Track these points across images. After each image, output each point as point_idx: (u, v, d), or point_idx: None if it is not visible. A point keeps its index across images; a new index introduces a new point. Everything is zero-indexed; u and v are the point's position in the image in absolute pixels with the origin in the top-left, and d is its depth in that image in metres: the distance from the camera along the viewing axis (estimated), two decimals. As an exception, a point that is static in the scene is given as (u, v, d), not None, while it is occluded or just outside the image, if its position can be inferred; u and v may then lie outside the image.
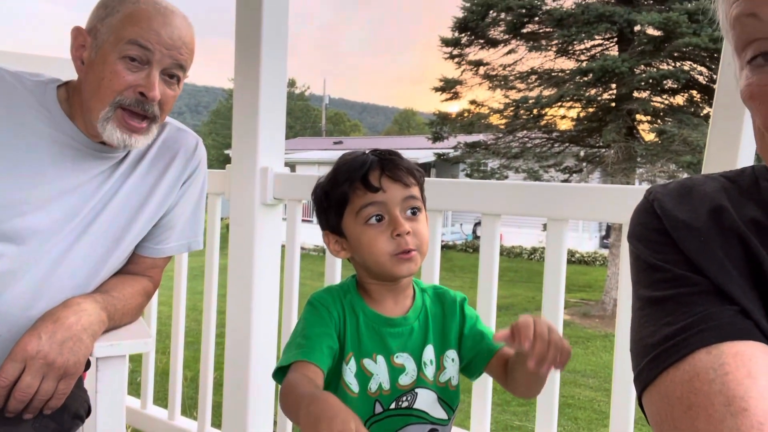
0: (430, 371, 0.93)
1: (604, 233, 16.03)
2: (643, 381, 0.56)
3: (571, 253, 14.53)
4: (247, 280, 1.70)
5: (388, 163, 0.92)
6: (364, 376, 0.90)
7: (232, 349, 1.76)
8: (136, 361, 2.57)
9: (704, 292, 0.55)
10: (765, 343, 0.52)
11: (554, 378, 1.21)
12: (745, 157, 0.91)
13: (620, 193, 1.06)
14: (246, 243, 1.69)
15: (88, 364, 1.17)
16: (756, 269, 0.55)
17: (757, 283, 0.55)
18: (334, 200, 0.93)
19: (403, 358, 0.92)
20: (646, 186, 0.82)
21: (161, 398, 2.20)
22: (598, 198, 1.10)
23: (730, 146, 0.91)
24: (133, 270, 1.23)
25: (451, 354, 0.96)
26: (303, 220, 1.74)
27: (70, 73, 1.12)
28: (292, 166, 21.67)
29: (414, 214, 0.92)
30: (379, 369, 0.90)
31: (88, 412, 1.12)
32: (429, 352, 0.94)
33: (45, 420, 0.99)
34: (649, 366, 0.55)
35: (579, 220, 1.44)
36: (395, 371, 0.91)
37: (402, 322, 0.94)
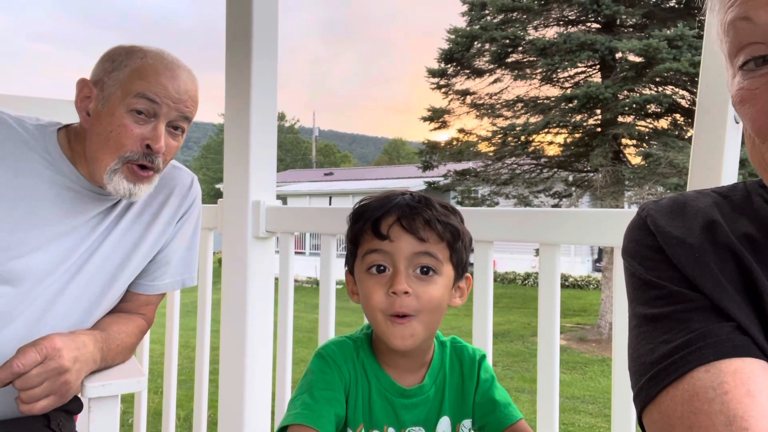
0: None
1: (596, 257, 16.08)
2: (643, 400, 0.55)
3: (564, 278, 14.54)
4: (241, 314, 1.68)
5: (409, 211, 0.82)
6: None
7: (226, 386, 1.72)
8: (127, 401, 2.51)
9: (700, 308, 0.55)
10: (762, 360, 0.52)
11: (553, 405, 1.19)
12: (728, 175, 0.92)
13: (611, 217, 1.07)
14: (239, 277, 1.68)
15: (80, 407, 1.17)
16: (750, 285, 0.55)
17: (751, 299, 0.55)
18: (350, 238, 0.87)
19: (415, 431, 0.86)
20: (635, 209, 0.83)
21: (155, 439, 2.15)
22: (589, 222, 1.10)
23: (713, 165, 0.92)
24: (126, 308, 1.23)
25: (467, 423, 0.89)
26: (295, 252, 1.73)
27: (65, 116, 1.13)
28: (283, 198, 21.66)
29: (425, 273, 0.81)
30: None
31: None
32: (444, 424, 0.87)
33: None
34: (648, 384, 0.55)
35: (571, 244, 1.44)
36: None
37: (417, 392, 0.86)
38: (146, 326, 1.26)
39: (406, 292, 0.80)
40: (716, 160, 0.92)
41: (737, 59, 0.56)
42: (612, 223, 1.06)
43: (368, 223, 0.83)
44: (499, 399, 0.89)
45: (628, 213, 1.03)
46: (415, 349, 0.84)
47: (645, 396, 0.55)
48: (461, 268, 0.87)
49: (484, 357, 0.93)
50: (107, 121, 1.04)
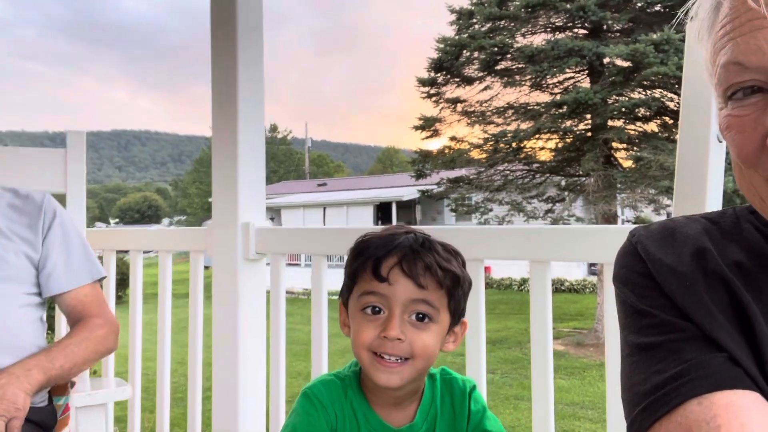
0: None
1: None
2: (637, 431, 0.55)
3: (560, 282, 14.57)
4: (233, 334, 1.67)
5: (411, 254, 0.80)
6: None
7: (219, 402, 1.71)
8: (122, 422, 2.49)
9: (692, 338, 0.55)
10: (755, 391, 0.52)
11: (548, 411, 1.19)
12: (713, 194, 0.93)
13: (600, 234, 1.07)
14: (230, 298, 1.67)
15: (54, 420, 1.27)
16: (741, 313, 0.55)
17: (743, 328, 0.55)
18: (348, 273, 0.85)
19: None
20: (625, 225, 0.82)
21: (150, 461, 2.12)
22: (579, 239, 1.11)
23: (697, 185, 0.93)
24: (73, 321, 1.37)
25: None
26: (290, 264, 1.72)
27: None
28: (277, 210, 21.67)
29: (420, 320, 0.79)
30: None
31: None
32: None
33: None
34: (641, 416, 0.55)
35: (562, 261, 1.44)
36: None
37: None
38: (98, 320, 1.35)
39: (399, 339, 0.78)
40: (700, 178, 0.92)
41: (726, 92, 0.57)
42: (602, 240, 1.06)
43: (369, 261, 0.81)
44: (491, 430, 0.87)
45: (617, 229, 1.03)
46: (402, 388, 0.83)
47: (639, 427, 0.55)
48: (458, 314, 0.85)
49: (474, 388, 0.90)
50: None
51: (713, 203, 0.92)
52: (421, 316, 0.80)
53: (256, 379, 1.71)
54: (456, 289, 0.82)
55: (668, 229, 0.64)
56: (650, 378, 0.55)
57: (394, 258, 0.80)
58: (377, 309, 0.81)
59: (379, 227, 0.90)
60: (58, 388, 1.35)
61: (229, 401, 1.68)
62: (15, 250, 1.30)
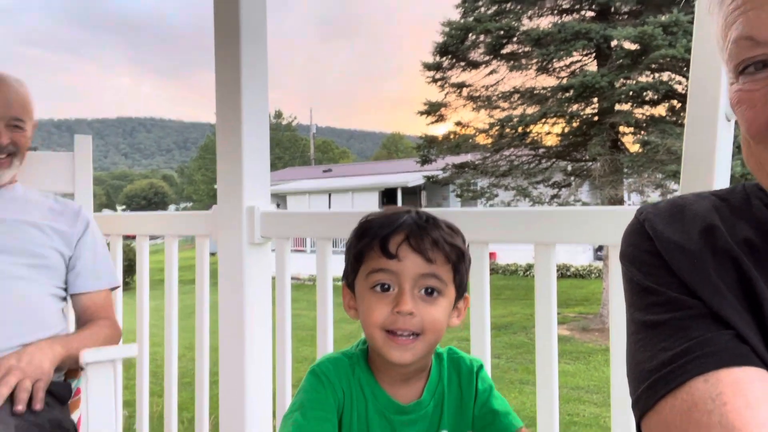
0: None
1: (597, 246, 16.09)
2: (642, 408, 0.55)
3: (566, 268, 14.55)
4: (239, 319, 1.68)
5: (417, 230, 0.81)
6: None
7: (226, 387, 1.73)
8: (131, 406, 2.52)
9: (699, 315, 0.55)
10: (761, 368, 0.52)
11: (553, 396, 1.19)
12: (721, 172, 0.91)
13: (606, 215, 1.06)
14: (235, 282, 1.67)
15: (69, 393, 1.39)
16: (750, 291, 0.55)
17: (751, 306, 0.55)
18: (353, 254, 0.85)
19: None
20: (631, 206, 0.82)
21: (159, 444, 2.15)
22: (584, 221, 1.10)
23: (705, 163, 0.92)
24: (83, 321, 1.51)
25: None
26: (295, 250, 1.73)
27: None
28: (282, 196, 21.68)
29: (429, 294, 0.81)
30: None
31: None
32: None
33: (31, 426, 1.19)
34: (647, 393, 0.55)
35: (566, 243, 1.42)
36: None
37: (416, 409, 0.85)
38: (108, 321, 1.52)
39: (411, 313, 0.79)
40: (708, 157, 0.91)
41: (738, 67, 0.57)
42: (608, 222, 1.06)
43: (375, 240, 0.82)
44: (498, 408, 0.88)
45: (623, 211, 1.02)
46: (412, 365, 0.84)
47: (644, 404, 0.55)
48: (462, 289, 0.86)
49: (481, 367, 0.91)
50: None
51: (721, 182, 0.91)
52: (430, 290, 0.81)
53: (262, 364, 1.72)
54: (460, 263, 0.84)
55: (677, 206, 0.63)
56: (656, 355, 0.55)
57: (401, 235, 0.81)
58: (386, 286, 0.81)
59: (378, 210, 0.91)
60: (72, 371, 1.44)
61: (235, 386, 1.69)
62: (52, 246, 1.47)
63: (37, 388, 1.21)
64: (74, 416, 1.43)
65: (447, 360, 0.90)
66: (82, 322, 1.51)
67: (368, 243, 0.83)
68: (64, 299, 1.52)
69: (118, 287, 1.65)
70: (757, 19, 0.53)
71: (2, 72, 1.49)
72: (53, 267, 1.46)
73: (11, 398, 1.18)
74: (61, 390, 1.37)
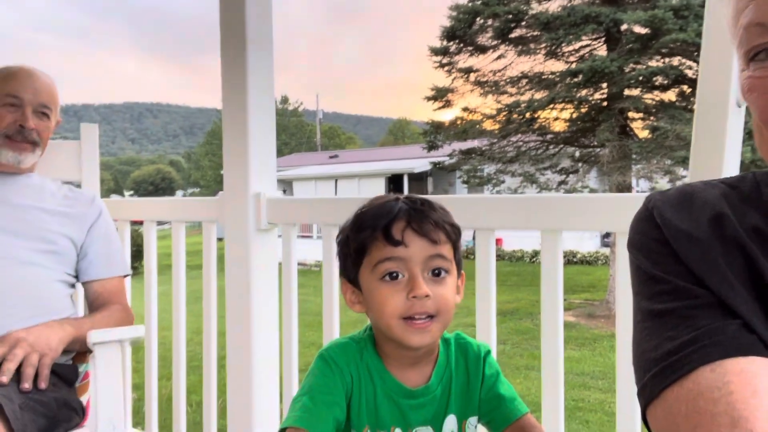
0: None
1: (604, 232, 16.02)
2: (647, 396, 0.55)
3: (572, 254, 14.52)
4: (245, 304, 1.69)
5: (417, 215, 0.82)
6: None
7: (233, 370, 1.75)
8: (140, 389, 2.55)
9: (706, 305, 0.55)
10: None
11: (558, 381, 1.20)
12: (730, 159, 0.91)
13: (613, 202, 1.06)
14: (242, 268, 1.68)
15: (75, 375, 1.44)
16: (757, 280, 0.55)
17: (759, 294, 0.54)
18: (354, 248, 0.85)
19: (422, 431, 0.86)
20: (639, 193, 0.81)
21: (169, 426, 2.18)
22: (590, 208, 1.09)
23: (714, 150, 0.91)
24: (96, 304, 1.54)
25: (473, 420, 0.89)
26: (302, 236, 1.73)
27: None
28: (289, 182, 21.69)
29: (438, 275, 0.82)
30: None
31: (82, 412, 1.39)
32: (450, 423, 0.87)
33: (39, 416, 1.21)
34: (653, 382, 0.54)
35: (573, 230, 1.41)
36: None
37: (424, 393, 0.86)
38: (120, 306, 1.55)
39: (427, 296, 0.80)
40: (718, 143, 0.90)
41: (749, 53, 0.56)
42: (615, 209, 1.05)
43: (377, 230, 0.82)
44: (504, 394, 0.89)
45: (630, 198, 1.02)
46: (427, 347, 0.85)
47: (649, 393, 0.55)
48: (460, 266, 0.87)
49: (488, 352, 0.92)
50: None
51: (730, 169, 0.90)
52: (437, 271, 0.82)
53: (268, 349, 1.74)
54: (458, 240, 0.86)
55: (686, 194, 0.63)
56: (662, 344, 0.55)
57: (402, 221, 0.82)
58: (395, 274, 0.81)
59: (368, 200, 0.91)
60: (81, 355, 1.47)
61: (243, 370, 1.71)
62: (64, 233, 1.50)
63: (42, 364, 1.24)
64: (83, 399, 1.45)
65: (454, 345, 0.91)
66: (94, 307, 1.54)
67: (370, 234, 0.82)
68: (73, 286, 1.55)
69: (129, 275, 1.69)
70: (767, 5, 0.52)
71: (30, 66, 1.56)
72: (64, 253, 1.49)
73: (18, 375, 1.20)
74: (68, 372, 1.40)
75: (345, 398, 0.83)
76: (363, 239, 0.83)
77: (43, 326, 1.31)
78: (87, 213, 1.57)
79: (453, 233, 0.85)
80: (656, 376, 0.54)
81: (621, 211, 1.02)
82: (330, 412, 0.81)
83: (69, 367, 1.42)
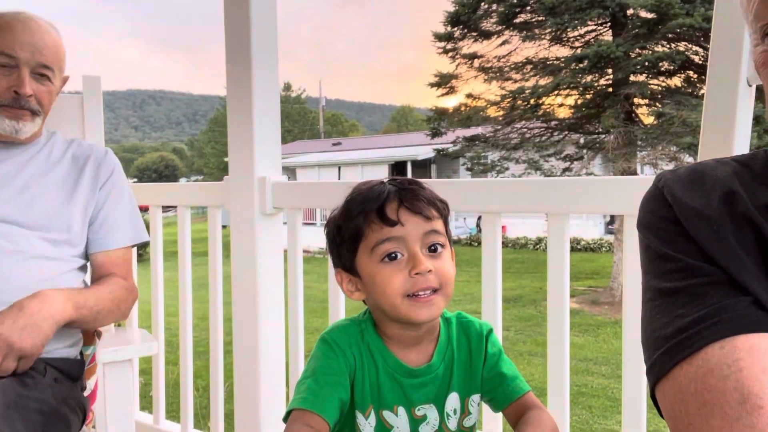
0: (453, 422, 0.88)
1: (608, 219, 15.98)
2: (656, 374, 0.55)
3: (576, 241, 14.50)
4: (252, 289, 1.70)
5: (408, 194, 0.83)
6: (384, 428, 0.86)
7: (240, 355, 1.76)
8: (147, 373, 2.58)
9: (717, 282, 0.54)
10: None
11: (564, 367, 1.20)
12: (741, 137, 0.90)
13: (620, 185, 1.05)
14: (248, 253, 1.69)
15: (79, 369, 1.28)
16: None
17: None
18: (348, 235, 0.85)
19: (425, 409, 0.87)
20: (646, 175, 0.80)
21: (176, 410, 2.21)
22: (597, 190, 1.09)
23: (725, 128, 0.90)
24: (98, 276, 1.37)
25: (476, 398, 0.90)
26: (305, 223, 1.73)
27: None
28: (292, 170, 21.66)
29: (435, 250, 0.84)
30: (400, 421, 0.86)
31: (84, 413, 1.25)
32: (453, 400, 0.88)
33: (31, 413, 1.07)
34: (662, 359, 0.54)
35: (580, 213, 1.41)
36: (416, 422, 0.86)
37: (426, 371, 0.87)
38: (122, 281, 1.35)
39: (430, 271, 0.82)
40: (728, 122, 0.89)
41: (765, 27, 0.55)
42: (621, 191, 1.05)
43: (371, 213, 0.83)
44: (506, 372, 0.90)
45: (637, 180, 1.01)
46: (430, 322, 0.86)
47: (658, 370, 0.55)
48: (450, 240, 0.89)
49: (491, 331, 0.93)
50: None
51: (741, 146, 0.89)
52: (433, 247, 0.84)
53: (274, 334, 1.75)
54: (448, 215, 0.88)
55: (697, 172, 0.62)
56: (672, 322, 0.55)
57: (395, 201, 0.83)
58: (394, 254, 0.82)
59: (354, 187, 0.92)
60: (86, 337, 1.39)
61: (249, 354, 1.72)
62: (76, 211, 1.32)
63: (22, 367, 1.09)
64: (90, 382, 1.39)
65: (456, 323, 0.92)
66: (96, 277, 1.38)
67: (364, 218, 0.83)
68: (85, 267, 1.40)
69: (144, 243, 1.48)
70: None
71: (32, 13, 1.28)
72: (76, 238, 1.32)
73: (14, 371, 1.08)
74: (73, 368, 1.27)
75: (349, 379, 0.84)
76: (357, 225, 0.83)
77: (38, 305, 1.11)
78: (98, 173, 1.37)
79: (444, 209, 0.87)
80: (666, 353, 0.54)
81: (628, 193, 1.02)
82: (335, 393, 0.82)
83: (74, 363, 1.28)
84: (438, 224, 0.84)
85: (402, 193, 0.83)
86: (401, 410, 0.86)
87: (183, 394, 1.96)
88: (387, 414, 0.86)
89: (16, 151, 1.31)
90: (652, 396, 0.57)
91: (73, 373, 1.26)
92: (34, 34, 1.23)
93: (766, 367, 0.48)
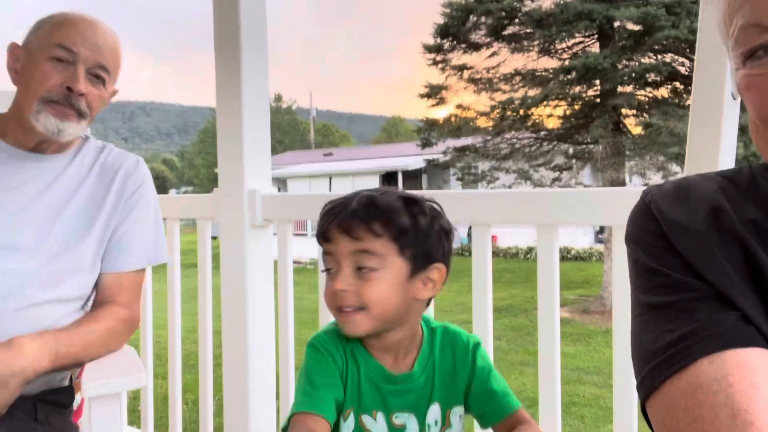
0: None
1: (598, 228, 16.09)
2: (646, 389, 0.55)
3: (566, 250, 14.57)
4: (241, 301, 1.69)
5: (348, 212, 0.85)
6: None
7: (229, 369, 1.74)
8: (137, 388, 2.54)
9: (705, 297, 0.55)
10: (767, 349, 0.52)
11: (555, 376, 1.20)
12: (726, 150, 0.91)
13: (608, 197, 1.06)
14: (237, 265, 1.68)
15: (71, 399, 1.20)
16: (756, 272, 0.55)
17: (757, 287, 0.54)
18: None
19: (404, 418, 0.87)
20: (634, 186, 0.81)
21: (164, 424, 2.18)
22: (586, 202, 1.10)
23: (710, 141, 0.91)
24: (102, 298, 1.23)
25: (459, 410, 0.90)
26: (296, 234, 1.72)
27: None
28: (283, 180, 21.63)
29: (363, 270, 0.84)
30: (378, 427, 0.86)
31: None
32: (434, 411, 0.89)
33: None
34: (652, 374, 0.55)
35: (569, 225, 1.42)
36: (394, 431, 0.87)
37: (406, 380, 0.88)
38: (122, 312, 1.22)
39: (344, 290, 0.84)
40: (714, 135, 0.90)
41: (746, 53, 0.56)
42: (610, 203, 1.06)
43: (319, 226, 0.88)
44: (496, 389, 0.90)
45: (625, 192, 1.02)
46: (391, 336, 0.87)
47: (648, 385, 0.55)
48: (421, 259, 0.86)
49: (478, 344, 0.93)
50: (30, 71, 1.14)
51: (726, 160, 0.91)
52: (361, 267, 0.84)
53: (264, 346, 1.74)
54: (405, 236, 0.84)
55: (683, 187, 0.63)
56: (661, 337, 0.55)
57: (335, 218, 0.86)
58: (330, 268, 0.87)
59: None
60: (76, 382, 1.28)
61: (239, 368, 1.71)
62: (93, 241, 1.20)
63: None
64: (78, 397, 1.28)
65: (441, 334, 0.92)
66: (98, 300, 1.24)
67: (318, 229, 0.89)
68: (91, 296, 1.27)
69: (149, 265, 1.36)
70: (764, 5, 0.52)
71: (94, 17, 1.21)
72: (93, 268, 1.21)
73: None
74: (63, 398, 1.19)
75: (340, 379, 0.86)
76: (316, 232, 0.90)
77: (7, 357, 0.98)
78: (125, 185, 1.26)
79: (391, 229, 0.84)
80: (655, 368, 0.54)
81: (616, 205, 1.03)
82: (330, 392, 0.84)
83: (64, 391, 1.20)
84: (372, 245, 0.83)
85: (347, 210, 0.85)
86: (380, 416, 0.87)
87: (172, 409, 1.93)
88: (366, 418, 0.87)
89: (47, 164, 1.20)
90: (643, 411, 0.58)
91: (63, 402, 1.18)
92: (97, 33, 1.17)
93: (754, 382, 0.49)
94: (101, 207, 1.23)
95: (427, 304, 0.93)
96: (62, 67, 1.13)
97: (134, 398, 2.80)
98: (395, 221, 0.85)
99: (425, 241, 0.86)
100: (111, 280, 1.24)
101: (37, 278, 1.12)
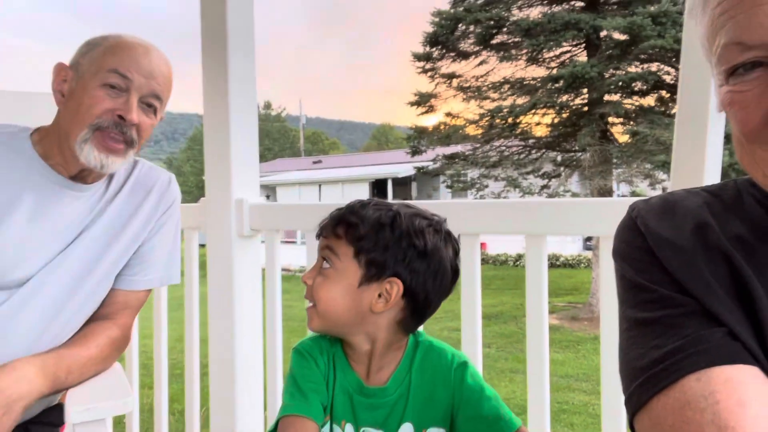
0: None
1: (587, 237, 16.19)
2: (634, 405, 0.55)
3: (555, 257, 14.65)
4: (228, 311, 1.67)
5: (333, 214, 0.91)
6: None
7: (216, 378, 1.72)
8: (121, 399, 2.50)
9: (691, 313, 0.55)
10: (754, 366, 0.52)
11: (543, 384, 1.20)
12: (711, 164, 0.92)
13: (596, 207, 1.07)
14: (225, 275, 1.67)
15: (61, 418, 1.15)
16: (742, 288, 0.55)
17: (743, 302, 0.54)
18: None
19: None
20: (621, 198, 0.82)
21: (149, 436, 2.15)
22: (574, 213, 1.10)
23: (696, 149, 0.92)
24: (103, 313, 1.20)
25: (435, 431, 0.86)
26: (285, 242, 1.71)
27: (44, 108, 1.14)
28: (272, 188, 21.57)
29: (324, 266, 0.88)
30: None
31: None
32: (406, 430, 0.87)
33: None
34: (639, 390, 0.54)
35: (557, 235, 1.42)
36: None
37: (378, 394, 0.86)
38: (120, 336, 1.20)
39: (306, 283, 0.89)
40: (699, 150, 0.91)
41: (728, 71, 0.56)
42: (597, 213, 1.06)
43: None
44: (488, 414, 0.84)
45: (612, 202, 1.03)
46: (357, 345, 0.88)
47: (636, 402, 0.55)
48: (375, 268, 0.84)
49: (465, 364, 0.88)
50: (80, 96, 1.07)
51: (712, 174, 0.91)
52: (325, 264, 0.88)
53: (252, 356, 1.72)
54: (362, 241, 0.84)
55: (668, 203, 0.63)
56: (648, 353, 0.55)
57: (327, 218, 0.91)
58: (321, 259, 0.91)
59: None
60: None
61: (226, 377, 1.69)
62: (112, 258, 1.17)
63: None
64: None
65: (422, 351, 0.89)
66: (100, 314, 1.21)
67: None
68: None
69: (161, 286, 1.31)
70: (747, 24, 0.52)
71: (149, 42, 1.15)
72: (101, 292, 1.19)
73: None
74: (54, 417, 1.17)
75: (325, 384, 0.87)
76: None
77: (4, 385, 0.96)
78: (158, 205, 1.23)
79: (354, 232, 0.85)
80: (643, 384, 0.54)
81: (603, 215, 1.03)
82: (317, 396, 0.85)
83: (56, 409, 1.18)
84: (334, 243, 0.87)
85: (334, 213, 0.90)
86: (349, 427, 0.87)
87: (158, 420, 1.91)
88: (336, 428, 0.87)
89: (85, 194, 1.15)
90: (631, 427, 0.57)
91: (55, 421, 1.16)
92: (152, 60, 1.11)
93: (741, 399, 0.49)
94: (126, 226, 1.19)
95: (410, 326, 0.89)
96: (115, 93, 1.07)
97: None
98: (357, 226, 0.86)
99: (384, 251, 0.84)
100: (122, 296, 1.21)
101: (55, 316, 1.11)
